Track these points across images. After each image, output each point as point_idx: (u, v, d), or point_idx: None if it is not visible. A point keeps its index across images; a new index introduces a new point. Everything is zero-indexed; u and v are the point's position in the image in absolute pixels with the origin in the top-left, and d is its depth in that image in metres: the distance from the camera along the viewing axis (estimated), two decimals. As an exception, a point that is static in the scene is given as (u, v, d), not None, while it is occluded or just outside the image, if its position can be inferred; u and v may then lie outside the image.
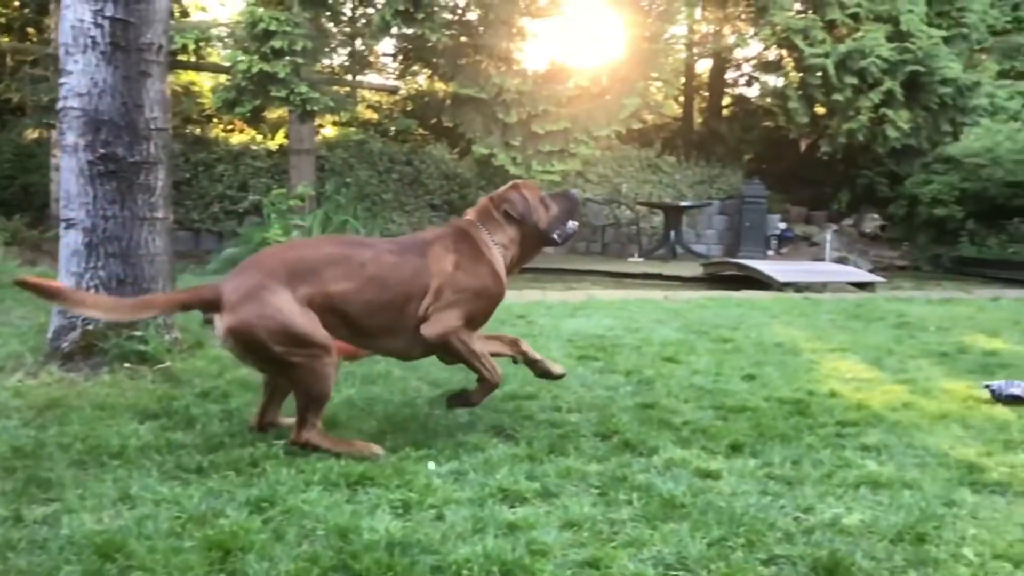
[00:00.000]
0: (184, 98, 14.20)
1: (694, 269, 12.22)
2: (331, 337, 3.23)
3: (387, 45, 13.64)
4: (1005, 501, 2.88)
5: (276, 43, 10.37)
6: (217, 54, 13.70)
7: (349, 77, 14.14)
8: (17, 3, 14.67)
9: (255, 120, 13.88)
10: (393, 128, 15.65)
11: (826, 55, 14.03)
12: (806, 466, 3.15)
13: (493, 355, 3.57)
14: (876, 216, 15.74)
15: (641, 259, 13.77)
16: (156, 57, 4.55)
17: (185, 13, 14.70)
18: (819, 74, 14.12)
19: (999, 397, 4.16)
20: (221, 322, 3.16)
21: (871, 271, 12.05)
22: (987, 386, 4.27)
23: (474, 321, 3.47)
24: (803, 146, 15.35)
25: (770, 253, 14.63)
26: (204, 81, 14.93)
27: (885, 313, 7.33)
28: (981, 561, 2.41)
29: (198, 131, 14.40)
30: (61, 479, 2.84)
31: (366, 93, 15.93)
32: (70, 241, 4.46)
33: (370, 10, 12.56)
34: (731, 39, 15.95)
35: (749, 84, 17.89)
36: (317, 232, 10.72)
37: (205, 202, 13.22)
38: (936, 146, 15.01)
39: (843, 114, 14.28)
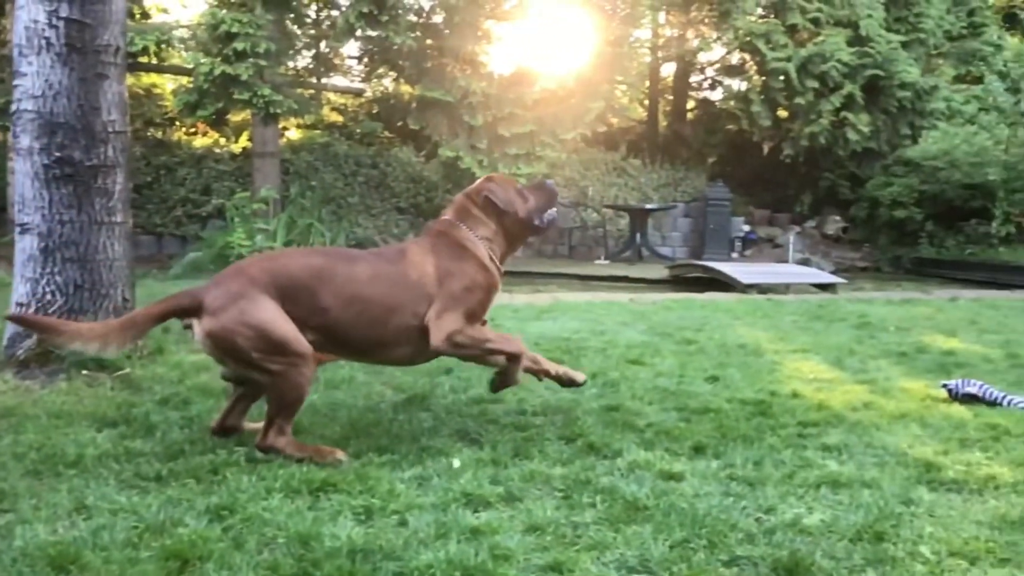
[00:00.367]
0: (146, 101, 13.99)
1: (660, 271, 12.31)
2: (310, 346, 3.22)
3: (352, 48, 13.56)
4: (961, 499, 2.92)
5: (238, 45, 10.28)
6: (179, 56, 13.53)
7: (314, 80, 14.04)
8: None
9: (218, 123, 13.73)
10: (359, 131, 15.56)
11: (788, 59, 14.22)
12: (768, 467, 3.17)
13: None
14: (838, 218, 16.00)
15: (607, 261, 13.84)
16: (113, 59, 4.48)
17: (146, 15, 14.50)
18: (781, 78, 14.31)
19: (956, 396, 4.24)
20: (200, 326, 3.16)
21: (833, 272, 12.23)
22: (944, 385, 4.35)
23: (474, 316, 3.48)
24: (766, 149, 15.55)
25: (734, 255, 14.79)
26: (166, 83, 14.74)
27: (846, 314, 7.44)
28: (937, 559, 2.44)
29: (160, 134, 14.20)
30: (15, 489, 2.78)
31: (331, 96, 15.83)
32: (26, 246, 4.36)
33: (334, 12, 12.48)
34: (695, 43, 16.09)
35: (713, 88, 18.06)
36: (281, 236, 10.64)
37: (167, 206, 13.04)
38: (896, 149, 15.30)
39: (805, 117, 14.49)
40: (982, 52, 16.55)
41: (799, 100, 14.27)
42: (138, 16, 13.81)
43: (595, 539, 2.51)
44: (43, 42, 4.27)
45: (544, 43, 12.87)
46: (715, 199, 14.67)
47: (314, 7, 12.92)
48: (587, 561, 2.37)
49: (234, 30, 10.28)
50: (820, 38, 14.35)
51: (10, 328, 4.38)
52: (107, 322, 3.86)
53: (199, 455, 3.14)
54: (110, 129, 4.46)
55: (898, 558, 2.44)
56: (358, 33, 12.03)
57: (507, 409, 3.92)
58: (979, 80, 16.25)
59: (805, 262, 13.53)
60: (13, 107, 4.39)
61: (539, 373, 3.73)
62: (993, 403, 4.16)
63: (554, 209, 3.81)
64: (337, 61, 14.56)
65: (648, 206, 14.67)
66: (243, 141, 14.28)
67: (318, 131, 15.44)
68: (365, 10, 11.15)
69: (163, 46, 12.54)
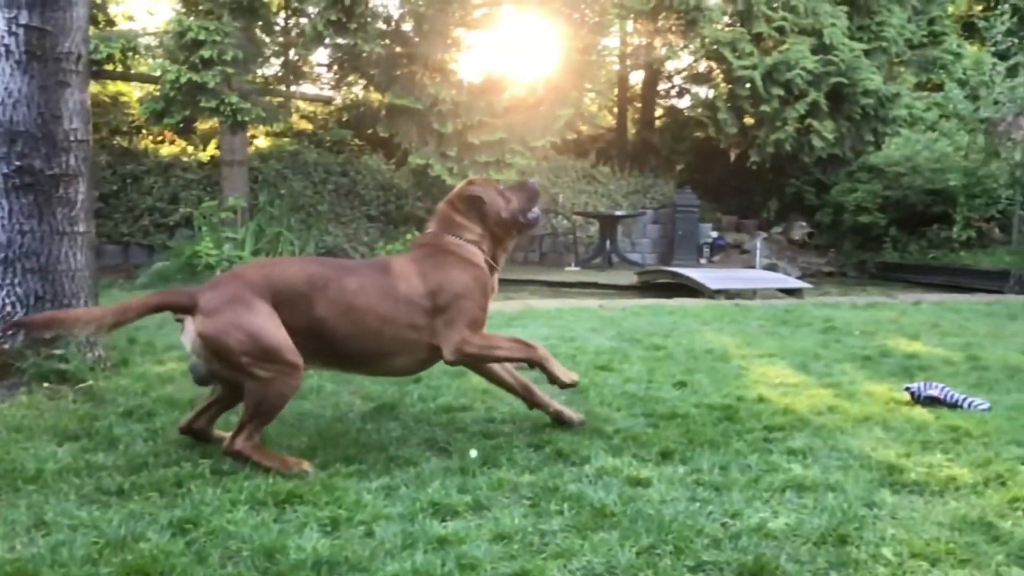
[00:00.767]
0: (112, 108, 13.82)
1: (629, 278, 12.37)
2: (300, 356, 3.21)
3: (322, 55, 13.49)
4: (923, 501, 2.97)
5: (205, 53, 10.18)
6: (145, 64, 13.37)
7: (282, 87, 13.94)
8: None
9: (185, 131, 13.55)
10: (328, 138, 15.48)
11: (754, 67, 14.38)
12: (734, 471, 3.20)
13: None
14: (804, 224, 16.19)
15: (578, 268, 13.88)
16: (75, 67, 4.43)
17: (112, 22, 14.32)
18: (747, 86, 14.47)
19: (918, 399, 4.31)
20: (193, 326, 3.17)
21: (799, 278, 12.36)
22: (907, 388, 4.42)
23: (477, 322, 3.50)
24: (733, 156, 15.70)
25: (703, 261, 14.91)
26: (133, 91, 14.56)
27: (812, 319, 7.52)
28: (899, 561, 2.48)
29: (127, 142, 14.01)
30: (-28, 506, 2.73)
31: (300, 103, 15.72)
32: (-16, 257, 4.29)
33: (303, 20, 12.42)
34: (662, 51, 16.22)
35: (680, 95, 18.23)
36: (250, 245, 10.55)
37: (134, 215, 12.86)
38: (859, 155, 15.54)
39: (770, 124, 14.65)
40: (942, 60, 16.87)
41: (765, 107, 14.44)
42: (103, 23, 13.64)
43: (562, 547, 2.51)
44: (2, 49, 4.22)
45: (514, 51, 12.92)
46: (683, 206, 14.81)
47: (282, 15, 12.83)
48: (554, 569, 2.38)
49: (201, 37, 10.19)
50: (785, 46, 14.53)
51: (-31, 341, 4.29)
52: (102, 307, 3.88)
53: (163, 468, 3.11)
54: (72, 138, 4.41)
55: (861, 560, 2.47)
56: (327, 41, 11.99)
57: (476, 417, 3.92)
58: (939, 87, 16.55)
59: (772, 267, 13.68)
60: (-29, 116, 4.32)
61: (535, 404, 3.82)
62: (954, 405, 4.23)
63: (537, 207, 3.83)
64: (306, 69, 14.46)
65: (618, 213, 14.76)
66: (211, 149, 14.14)
67: (287, 139, 15.34)
68: (333, 18, 11.11)
69: (129, 54, 12.37)
